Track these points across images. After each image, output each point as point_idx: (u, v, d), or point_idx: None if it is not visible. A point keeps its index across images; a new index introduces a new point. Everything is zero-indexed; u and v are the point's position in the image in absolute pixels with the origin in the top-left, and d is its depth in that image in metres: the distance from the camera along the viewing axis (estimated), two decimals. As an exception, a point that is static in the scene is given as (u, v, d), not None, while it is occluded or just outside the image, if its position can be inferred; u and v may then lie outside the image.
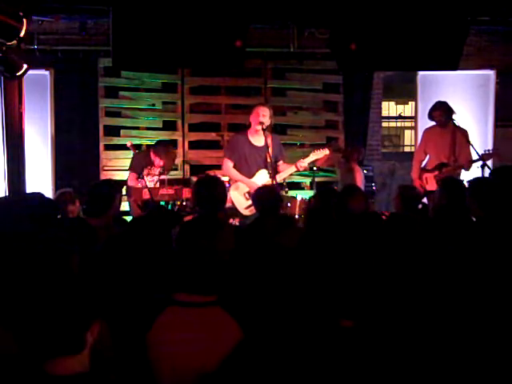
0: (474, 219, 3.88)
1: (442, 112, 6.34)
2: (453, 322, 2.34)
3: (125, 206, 6.35)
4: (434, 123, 6.49)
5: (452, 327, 2.30)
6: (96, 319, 1.71)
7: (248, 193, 5.78)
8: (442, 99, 6.54)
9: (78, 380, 1.63)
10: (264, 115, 5.75)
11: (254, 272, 2.66)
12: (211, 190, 3.96)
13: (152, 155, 6.30)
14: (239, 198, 5.82)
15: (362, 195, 3.94)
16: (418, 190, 5.19)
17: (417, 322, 2.24)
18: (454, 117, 6.31)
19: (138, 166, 6.30)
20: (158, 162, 6.27)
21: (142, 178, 6.09)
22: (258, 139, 5.86)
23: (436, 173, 6.30)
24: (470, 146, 6.16)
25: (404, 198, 4.58)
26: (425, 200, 5.75)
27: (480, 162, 6.03)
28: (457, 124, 6.32)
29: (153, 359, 2.16)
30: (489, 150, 6.32)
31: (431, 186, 6.26)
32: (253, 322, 2.19)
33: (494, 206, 3.70)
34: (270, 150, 5.74)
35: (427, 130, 6.67)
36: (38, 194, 3.84)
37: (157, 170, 6.36)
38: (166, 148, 6.41)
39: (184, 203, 5.63)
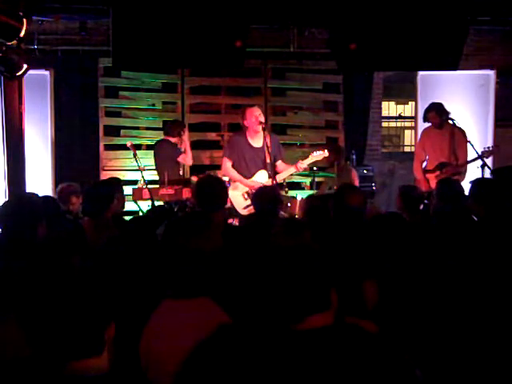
0: (476, 219, 3.88)
1: (435, 114, 6.32)
2: (454, 323, 2.34)
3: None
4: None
5: (454, 328, 2.30)
6: (111, 319, 1.70)
7: (247, 193, 5.78)
8: (442, 99, 6.52)
9: (97, 381, 1.61)
10: (260, 115, 5.78)
11: (254, 273, 2.65)
12: (213, 190, 3.95)
13: (176, 134, 6.60)
14: (238, 197, 5.81)
15: (360, 192, 3.97)
16: (420, 190, 5.18)
17: (419, 323, 2.24)
18: (451, 116, 6.29)
19: (176, 152, 6.56)
20: (184, 132, 6.66)
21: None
22: (256, 140, 5.87)
23: (437, 173, 6.27)
24: (469, 146, 6.15)
25: (405, 199, 4.58)
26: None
27: (480, 162, 6.02)
28: (457, 124, 6.31)
29: (147, 354, 2.15)
30: (489, 147, 6.28)
31: (433, 186, 6.24)
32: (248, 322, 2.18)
33: (496, 206, 3.71)
34: (269, 149, 5.73)
35: (425, 130, 6.65)
36: (33, 194, 3.84)
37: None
38: (175, 122, 6.96)
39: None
